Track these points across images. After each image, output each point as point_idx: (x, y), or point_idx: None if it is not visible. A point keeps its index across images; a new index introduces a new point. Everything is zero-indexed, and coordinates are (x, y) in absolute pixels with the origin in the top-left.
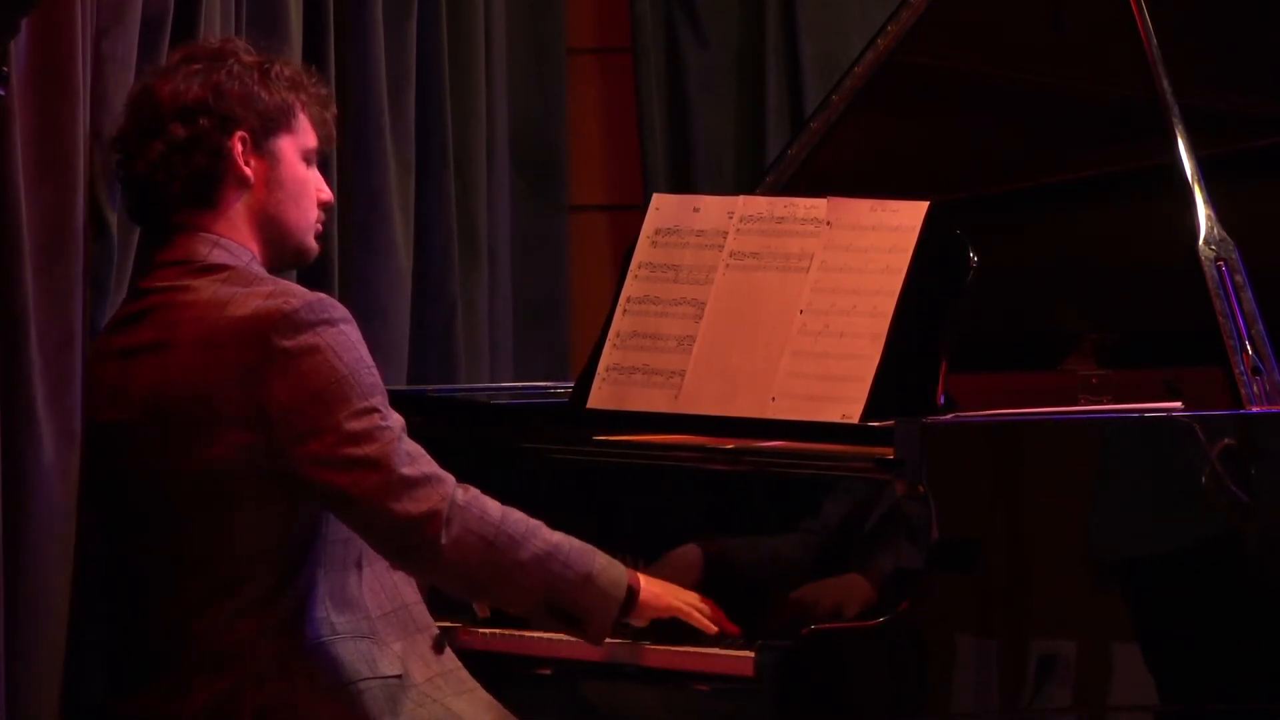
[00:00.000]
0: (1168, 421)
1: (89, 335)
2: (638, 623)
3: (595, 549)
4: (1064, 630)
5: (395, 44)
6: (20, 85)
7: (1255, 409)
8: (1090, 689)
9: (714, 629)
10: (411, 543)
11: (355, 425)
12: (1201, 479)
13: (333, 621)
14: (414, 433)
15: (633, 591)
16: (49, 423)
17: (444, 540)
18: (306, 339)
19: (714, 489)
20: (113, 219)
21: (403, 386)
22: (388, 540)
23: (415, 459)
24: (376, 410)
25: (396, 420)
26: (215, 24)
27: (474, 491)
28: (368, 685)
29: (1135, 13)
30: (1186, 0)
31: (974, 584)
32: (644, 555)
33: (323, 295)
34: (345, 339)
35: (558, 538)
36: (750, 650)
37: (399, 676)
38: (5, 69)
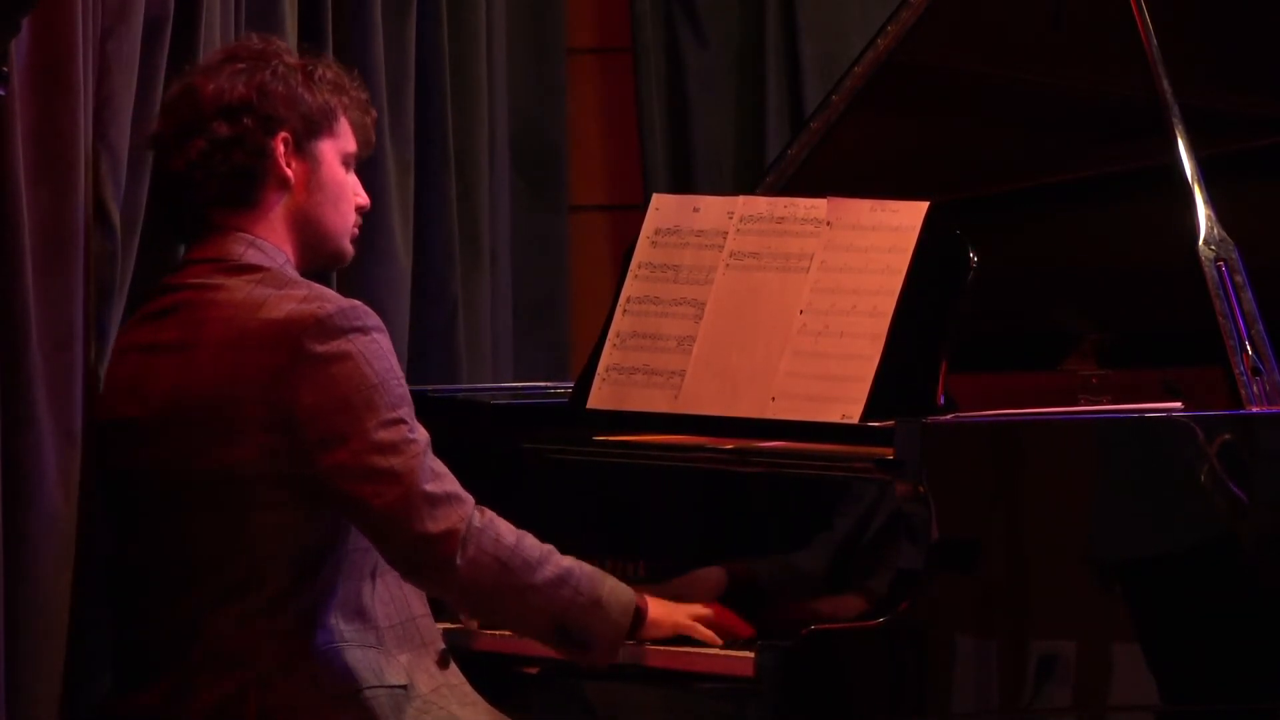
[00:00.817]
0: (1168, 421)
1: (89, 335)
2: (645, 640)
3: (604, 573)
4: (1064, 630)
5: (395, 44)
6: (20, 85)
7: (1255, 409)
8: (1090, 689)
9: (720, 643)
10: (426, 560)
11: (383, 435)
12: (1201, 479)
13: (341, 629)
14: None
15: (640, 614)
16: (49, 422)
17: (459, 561)
18: (339, 345)
19: (714, 489)
20: (115, 219)
21: None
22: (402, 555)
23: (439, 476)
24: (404, 422)
25: (423, 435)
26: (215, 24)
27: (491, 514)
28: (373, 694)
29: (1135, 13)
30: (1186, 0)
31: (974, 584)
32: (644, 555)
33: (357, 302)
34: (378, 347)
35: (569, 563)
36: (750, 650)
37: (404, 686)
38: (5, 69)
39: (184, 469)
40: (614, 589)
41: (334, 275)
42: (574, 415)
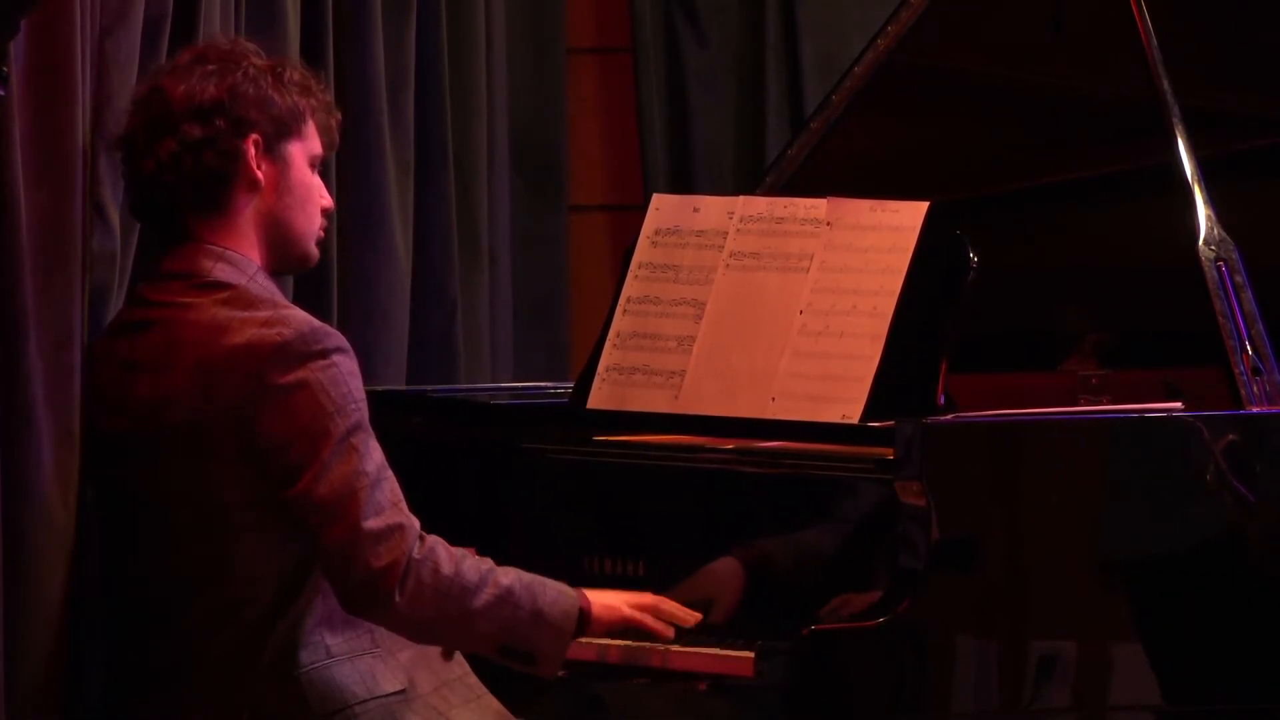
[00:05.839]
0: (1168, 421)
1: (89, 335)
2: (592, 637)
3: (545, 581)
4: (1064, 630)
5: (395, 44)
6: (20, 85)
7: (1255, 409)
8: (1090, 689)
9: (670, 634)
10: (367, 598)
11: (334, 467)
12: (1201, 479)
13: (327, 645)
14: (415, 433)
15: (584, 614)
16: (48, 423)
17: (397, 598)
18: (297, 374)
19: (714, 489)
20: (114, 219)
21: (403, 387)
22: (345, 589)
23: (382, 509)
24: (355, 450)
25: (375, 462)
26: (215, 24)
27: (432, 541)
28: (364, 708)
29: (1135, 13)
30: (1186, 0)
31: (974, 584)
32: (643, 556)
33: (317, 325)
34: (336, 372)
35: (509, 579)
36: (750, 650)
37: (401, 691)
38: (5, 69)
39: (166, 489)
40: (555, 598)
41: (334, 275)
42: (574, 415)
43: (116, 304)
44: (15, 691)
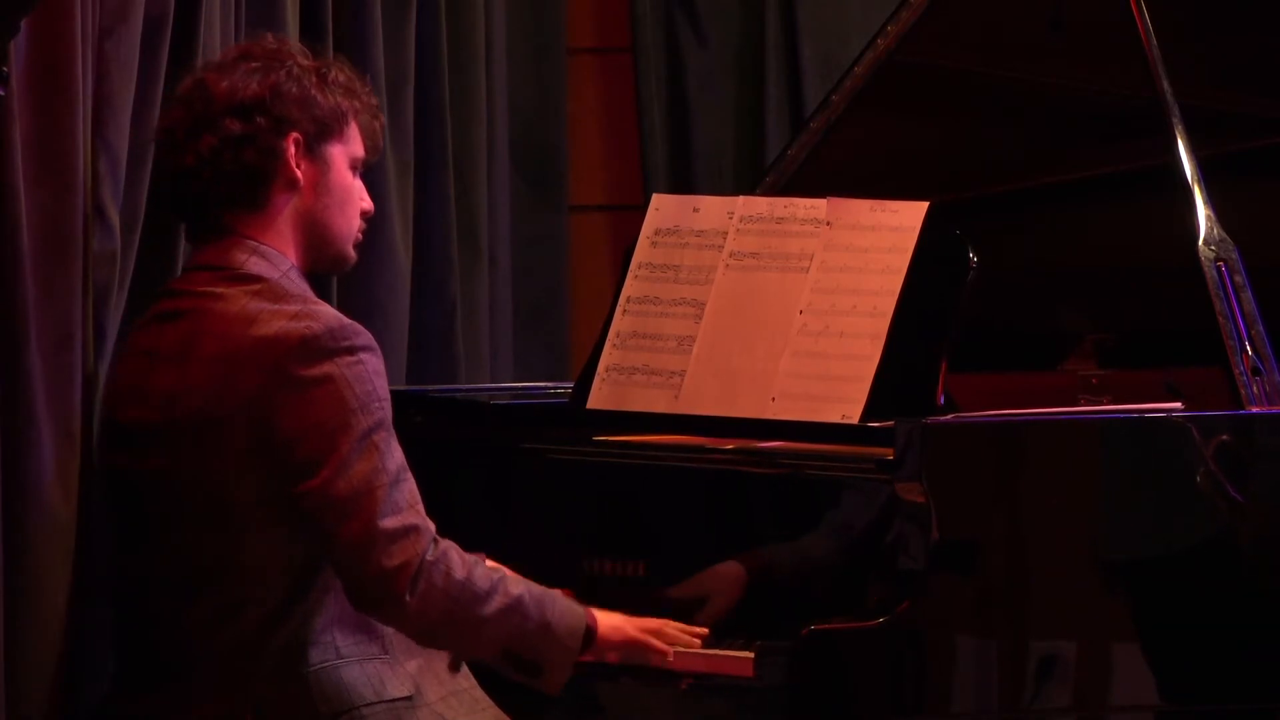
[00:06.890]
0: (1168, 422)
1: (89, 335)
2: (596, 657)
3: (555, 595)
4: (1064, 630)
5: (395, 44)
6: (20, 85)
7: (1255, 409)
8: (1090, 689)
9: (670, 654)
10: (378, 597)
11: (352, 466)
12: (1201, 479)
13: (338, 645)
14: (415, 433)
15: (590, 632)
16: (49, 423)
17: (408, 597)
18: (322, 368)
19: (713, 490)
20: (114, 219)
21: (403, 386)
22: (357, 588)
23: (399, 509)
24: (376, 449)
25: (395, 462)
26: (215, 24)
27: (445, 545)
28: (371, 710)
29: (1135, 13)
30: (1186, 0)
31: (974, 584)
32: (643, 556)
33: (346, 322)
34: (362, 369)
35: (519, 589)
36: (750, 650)
37: (409, 697)
38: (5, 69)
39: (180, 481)
40: (563, 612)
41: (334, 275)
42: (574, 415)
43: (117, 304)
44: (16, 689)
